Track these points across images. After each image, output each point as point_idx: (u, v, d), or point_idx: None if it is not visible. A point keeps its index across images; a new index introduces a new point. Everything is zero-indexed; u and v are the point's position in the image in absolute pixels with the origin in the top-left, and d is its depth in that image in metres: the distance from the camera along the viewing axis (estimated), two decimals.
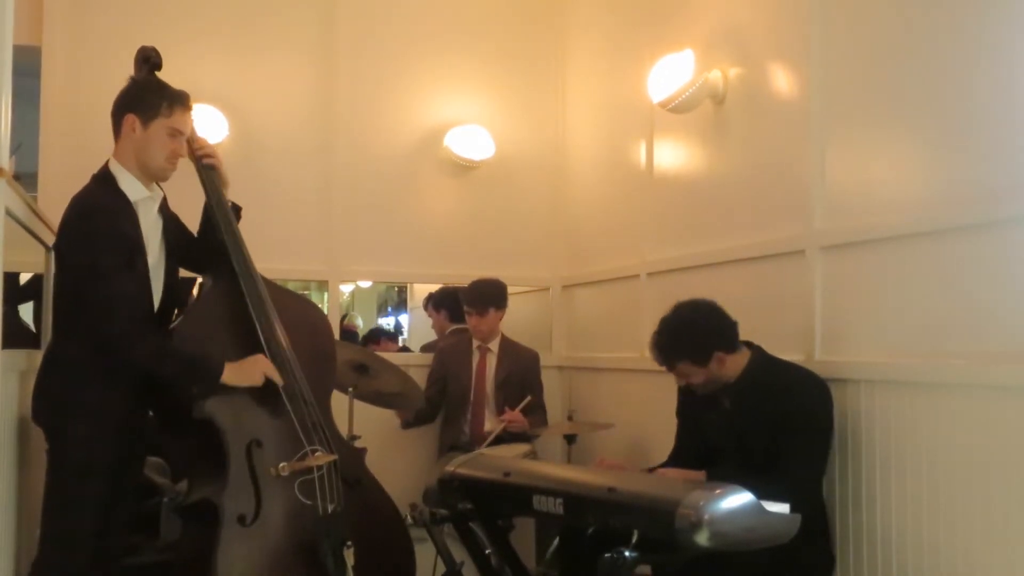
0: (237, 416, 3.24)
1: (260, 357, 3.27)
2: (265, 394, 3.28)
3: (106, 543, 3.16)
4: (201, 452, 3.26)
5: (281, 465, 3.21)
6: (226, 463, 3.18)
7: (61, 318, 3.24)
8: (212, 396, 3.18)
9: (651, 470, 3.44)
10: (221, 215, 3.42)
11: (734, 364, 3.25)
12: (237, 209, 3.56)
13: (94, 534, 3.09)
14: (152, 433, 3.38)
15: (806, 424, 3.08)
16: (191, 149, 3.45)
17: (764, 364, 3.26)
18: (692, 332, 3.24)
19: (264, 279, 3.46)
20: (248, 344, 3.30)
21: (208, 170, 3.47)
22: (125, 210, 3.18)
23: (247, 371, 3.23)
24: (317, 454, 3.28)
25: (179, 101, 3.26)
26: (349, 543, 3.18)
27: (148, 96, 3.24)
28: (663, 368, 3.34)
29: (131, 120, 3.21)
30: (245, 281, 3.35)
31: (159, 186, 3.35)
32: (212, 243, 3.42)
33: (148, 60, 3.45)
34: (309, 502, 3.25)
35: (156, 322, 3.25)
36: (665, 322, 3.31)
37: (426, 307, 6.29)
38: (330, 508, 3.26)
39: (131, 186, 3.22)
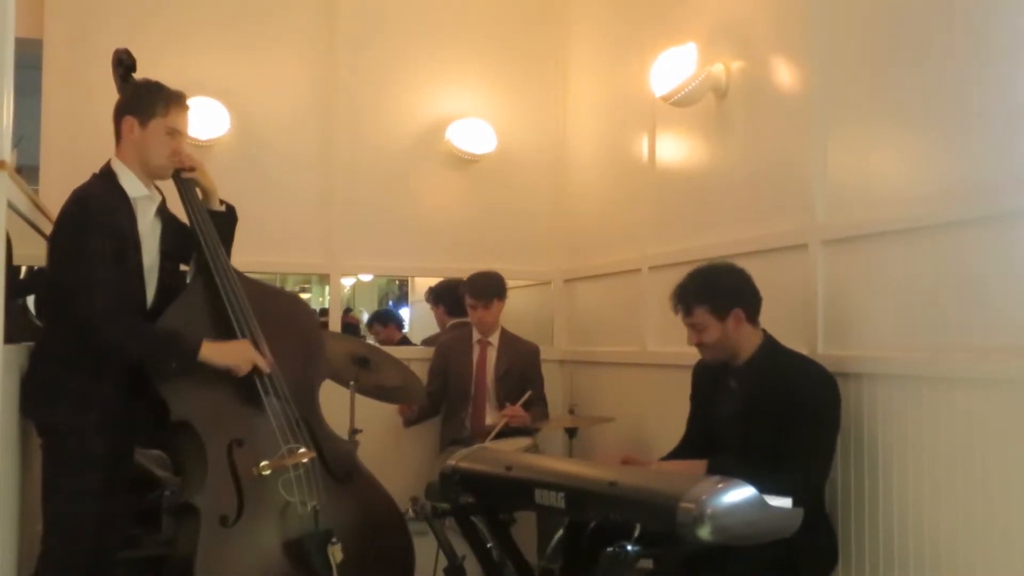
0: (216, 416, 3.24)
1: (246, 343, 3.28)
2: (245, 393, 3.28)
3: (106, 535, 3.17)
4: (189, 451, 3.27)
5: (261, 464, 3.20)
6: (206, 464, 3.18)
7: (50, 308, 3.29)
8: (189, 398, 3.18)
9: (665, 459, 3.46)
10: (199, 223, 3.42)
11: (749, 337, 3.25)
12: (231, 211, 3.57)
13: (95, 525, 3.11)
14: (148, 425, 3.37)
15: (815, 419, 3.07)
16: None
17: (775, 351, 3.26)
18: (717, 281, 3.26)
19: (245, 276, 3.47)
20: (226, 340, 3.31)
21: (186, 183, 3.47)
22: (122, 205, 3.23)
23: (229, 351, 3.23)
24: (298, 451, 3.28)
25: (175, 101, 3.32)
26: (335, 539, 3.19)
27: (145, 98, 3.31)
28: (677, 313, 3.31)
29: (130, 122, 3.28)
30: (223, 281, 3.36)
31: (159, 190, 3.39)
32: (194, 247, 3.45)
33: (122, 63, 3.50)
34: (292, 500, 3.25)
35: (144, 317, 3.26)
36: (693, 271, 3.33)
37: (428, 300, 6.30)
38: (310, 505, 3.25)
39: (131, 183, 3.26)
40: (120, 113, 3.31)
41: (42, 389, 3.14)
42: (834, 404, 3.12)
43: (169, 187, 3.48)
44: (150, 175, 3.32)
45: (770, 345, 3.27)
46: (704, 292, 3.24)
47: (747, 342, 3.25)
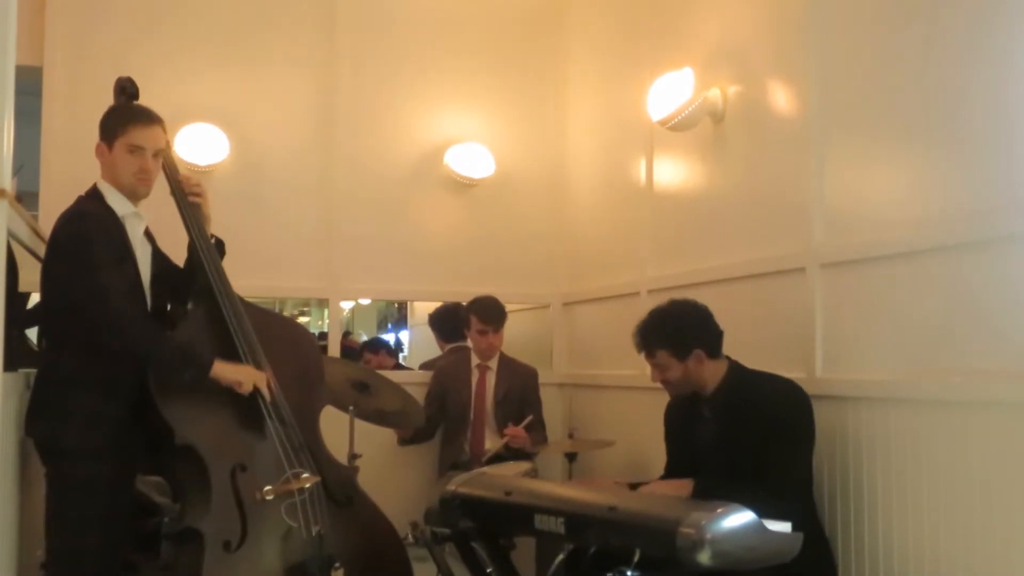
0: (220, 440, 3.25)
1: (254, 369, 3.32)
2: (248, 417, 3.29)
3: (109, 562, 3.18)
4: (193, 476, 3.26)
5: (265, 489, 3.20)
6: (210, 488, 3.18)
7: (53, 330, 3.30)
8: (194, 422, 3.20)
9: (633, 486, 3.45)
10: (204, 251, 3.47)
11: (713, 371, 3.30)
12: (220, 244, 3.60)
13: (99, 550, 3.12)
14: (150, 450, 3.38)
15: (787, 436, 3.11)
16: (176, 185, 3.52)
17: (742, 376, 3.31)
18: (678, 324, 3.32)
19: (247, 302, 3.49)
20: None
21: (192, 207, 3.52)
22: (113, 220, 3.28)
23: (238, 369, 3.27)
24: (302, 476, 3.28)
25: (133, 119, 3.35)
26: (337, 564, 3.18)
27: (107, 121, 3.38)
28: (641, 353, 3.39)
29: (100, 147, 3.36)
30: (226, 307, 3.38)
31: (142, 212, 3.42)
32: (195, 275, 3.48)
33: (124, 91, 3.55)
34: (295, 525, 3.25)
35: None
36: (654, 310, 3.40)
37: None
38: (314, 530, 3.25)
39: (118, 201, 3.32)
40: (99, 140, 3.38)
41: (50, 410, 3.16)
42: (808, 417, 3.16)
43: (160, 209, 3.49)
44: (127, 195, 3.35)
45: (736, 371, 3.32)
46: (664, 335, 3.31)
47: (712, 375, 3.31)
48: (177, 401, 3.19)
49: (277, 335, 3.55)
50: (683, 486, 3.16)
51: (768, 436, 3.08)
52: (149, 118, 3.37)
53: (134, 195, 3.36)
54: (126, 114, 3.37)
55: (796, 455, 3.12)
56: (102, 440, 3.14)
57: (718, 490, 2.83)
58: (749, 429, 3.13)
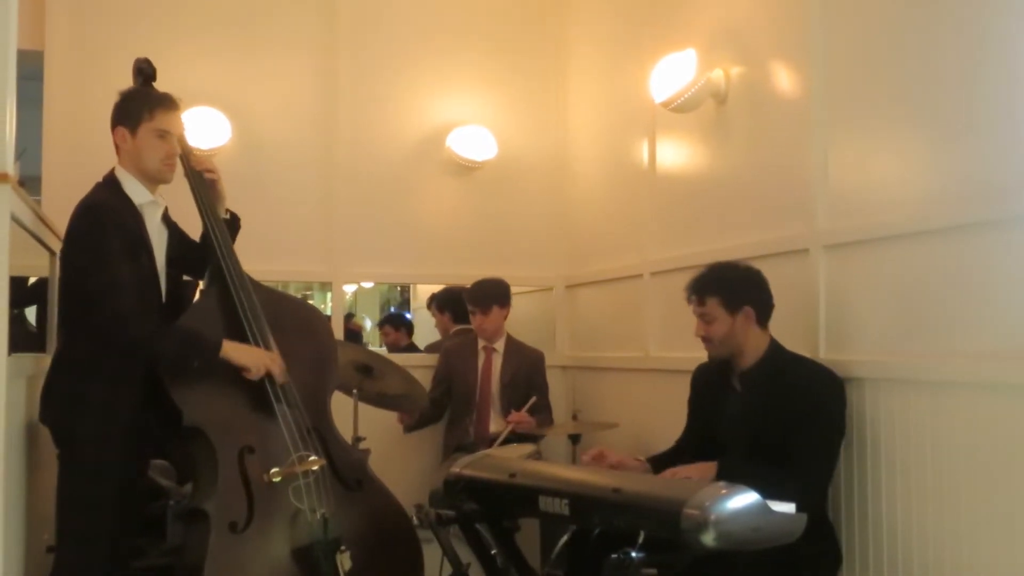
0: (228, 423, 3.25)
1: (267, 351, 3.31)
2: (256, 400, 3.29)
3: (119, 545, 3.19)
4: (201, 457, 3.27)
5: (272, 471, 3.21)
6: (217, 470, 3.19)
7: (68, 319, 3.29)
8: (203, 405, 3.20)
9: (653, 460, 3.46)
10: (216, 231, 3.46)
11: (756, 339, 3.27)
12: (236, 219, 3.60)
13: (111, 534, 3.13)
14: (158, 435, 3.39)
15: (821, 423, 3.09)
16: (189, 163, 3.50)
17: (782, 356, 3.28)
18: (736, 277, 3.31)
19: (260, 284, 3.49)
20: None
21: (206, 186, 3.51)
22: (130, 211, 3.25)
23: (249, 351, 3.26)
24: (310, 459, 3.29)
25: (159, 104, 3.32)
26: (343, 547, 3.19)
27: (129, 106, 3.33)
28: (690, 303, 3.34)
29: (121, 132, 3.31)
30: (237, 290, 3.38)
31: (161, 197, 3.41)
32: (208, 255, 3.46)
33: (142, 71, 3.53)
34: (301, 507, 3.26)
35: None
36: (715, 262, 3.39)
37: (430, 307, 6.31)
38: (319, 513, 3.25)
39: (136, 190, 3.29)
40: (113, 125, 3.33)
41: (61, 398, 3.16)
42: (841, 407, 3.15)
43: (174, 192, 3.48)
44: (151, 180, 3.33)
45: (777, 350, 3.29)
46: (719, 284, 3.29)
47: (754, 344, 3.27)
48: (186, 384, 3.20)
49: (290, 317, 3.54)
50: (708, 468, 3.14)
51: (802, 421, 3.06)
52: (173, 102, 3.35)
53: (160, 181, 3.35)
54: (151, 99, 3.32)
55: (828, 446, 3.11)
56: (116, 429, 3.14)
57: (744, 475, 2.81)
58: (782, 410, 3.11)
